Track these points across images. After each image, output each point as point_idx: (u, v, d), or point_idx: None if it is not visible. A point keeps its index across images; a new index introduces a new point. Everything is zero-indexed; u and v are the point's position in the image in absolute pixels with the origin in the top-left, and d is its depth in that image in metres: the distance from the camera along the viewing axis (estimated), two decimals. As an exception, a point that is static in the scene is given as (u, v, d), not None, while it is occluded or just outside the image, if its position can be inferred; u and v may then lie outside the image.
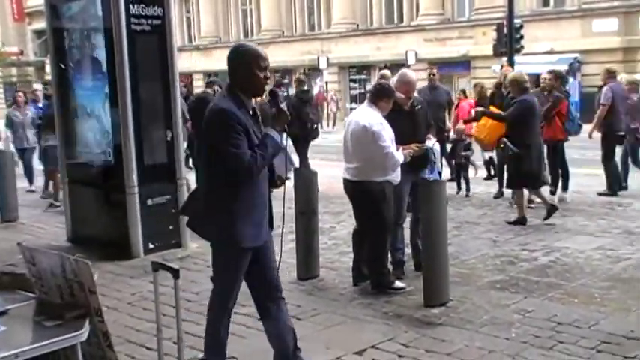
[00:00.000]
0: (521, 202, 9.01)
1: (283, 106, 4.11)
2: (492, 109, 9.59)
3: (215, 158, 3.83)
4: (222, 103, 3.84)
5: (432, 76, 11.89)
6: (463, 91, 14.42)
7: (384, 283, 6.14)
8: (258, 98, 4.54)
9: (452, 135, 11.29)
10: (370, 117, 6.02)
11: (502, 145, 8.85)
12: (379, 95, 6.16)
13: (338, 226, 9.14)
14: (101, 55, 7.64)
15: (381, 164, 5.96)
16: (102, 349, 3.40)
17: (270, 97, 4.31)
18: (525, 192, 10.00)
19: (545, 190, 10.19)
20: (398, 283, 6.18)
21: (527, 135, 8.56)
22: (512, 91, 8.94)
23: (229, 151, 3.71)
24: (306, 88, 13.70)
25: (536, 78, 11.38)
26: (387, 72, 11.52)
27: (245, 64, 3.87)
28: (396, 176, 6.08)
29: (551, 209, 8.90)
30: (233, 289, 4.06)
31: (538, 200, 9.99)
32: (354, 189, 6.16)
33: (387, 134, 5.94)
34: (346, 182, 6.26)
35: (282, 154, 3.95)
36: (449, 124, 12.10)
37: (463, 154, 10.08)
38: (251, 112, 3.93)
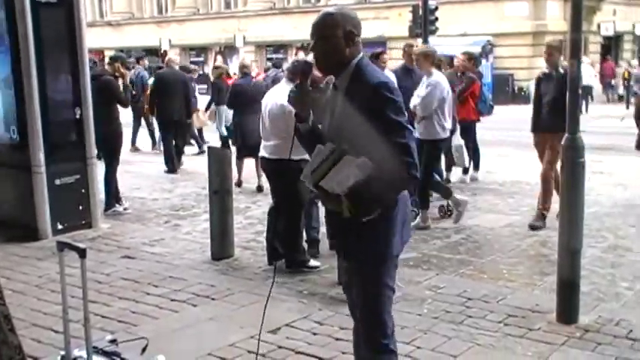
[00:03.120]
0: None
1: None
2: None
3: None
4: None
5: (414, 56, 8.43)
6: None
7: (299, 262, 6.16)
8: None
9: None
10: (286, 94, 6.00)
11: None
12: (296, 72, 6.15)
13: (253, 205, 9.10)
14: (2, 26, 7.29)
15: (297, 143, 5.95)
16: (3, 333, 3.27)
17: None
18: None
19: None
20: (313, 262, 6.21)
21: None
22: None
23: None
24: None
25: (450, 60, 11.57)
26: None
27: None
28: None
29: None
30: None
31: (454, 180, 10.23)
32: (272, 167, 6.17)
33: None
34: (264, 160, 6.29)
35: None
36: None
37: None
38: None
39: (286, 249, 6.23)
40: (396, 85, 3.07)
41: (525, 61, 28.90)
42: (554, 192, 7.55)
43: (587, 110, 23.62)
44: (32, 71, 7.12)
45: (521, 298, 5.38)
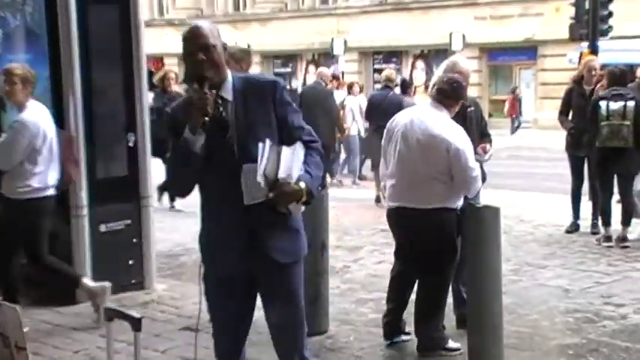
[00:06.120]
0: None
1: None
2: None
3: None
4: None
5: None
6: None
7: (436, 343, 6.14)
8: None
9: None
10: (446, 125, 6.01)
11: None
12: (453, 96, 6.11)
13: (354, 265, 9.11)
14: (40, 26, 7.62)
15: (461, 188, 5.98)
16: None
17: None
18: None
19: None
20: (452, 343, 6.19)
21: None
22: None
23: None
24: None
25: (630, 70, 11.32)
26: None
27: None
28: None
29: None
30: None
31: (632, 237, 9.87)
32: (423, 220, 6.00)
33: (471, 150, 5.99)
34: (406, 210, 6.09)
35: None
36: None
37: None
38: None
39: (425, 327, 6.17)
40: None
41: None
42: None
43: None
44: (75, 85, 7.38)
45: None
